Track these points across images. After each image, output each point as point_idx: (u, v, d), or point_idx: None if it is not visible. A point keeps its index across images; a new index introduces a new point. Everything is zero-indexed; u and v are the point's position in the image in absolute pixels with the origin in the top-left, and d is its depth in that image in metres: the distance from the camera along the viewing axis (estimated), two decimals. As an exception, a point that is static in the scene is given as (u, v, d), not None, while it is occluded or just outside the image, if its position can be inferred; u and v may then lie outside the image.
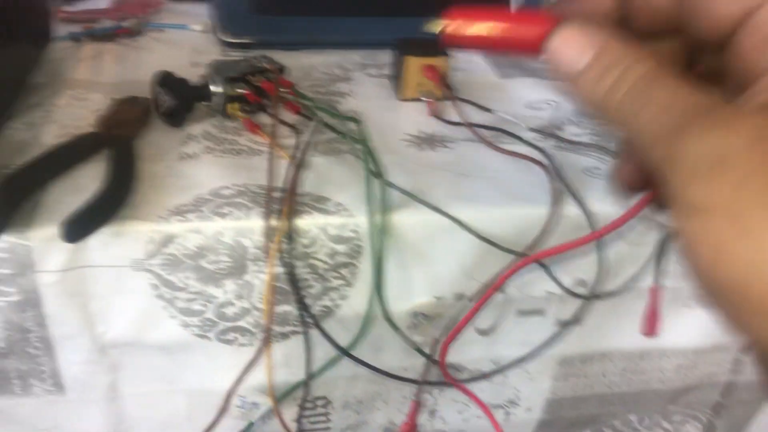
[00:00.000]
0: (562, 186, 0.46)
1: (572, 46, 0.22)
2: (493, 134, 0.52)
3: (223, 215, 0.41)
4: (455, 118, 0.53)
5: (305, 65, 0.62)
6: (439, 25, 0.25)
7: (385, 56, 0.65)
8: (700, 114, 0.18)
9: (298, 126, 0.49)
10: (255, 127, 0.49)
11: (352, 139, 0.48)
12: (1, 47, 0.47)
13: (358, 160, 0.47)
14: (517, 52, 0.24)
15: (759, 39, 0.20)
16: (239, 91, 0.50)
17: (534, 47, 0.23)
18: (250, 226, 0.41)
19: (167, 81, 0.49)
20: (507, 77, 0.63)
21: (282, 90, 0.51)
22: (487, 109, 0.54)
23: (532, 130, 0.52)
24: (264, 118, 0.51)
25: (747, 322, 0.17)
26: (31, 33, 0.55)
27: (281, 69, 0.53)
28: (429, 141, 0.51)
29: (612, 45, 0.21)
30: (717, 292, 0.18)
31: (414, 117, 0.54)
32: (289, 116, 0.51)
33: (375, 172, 0.44)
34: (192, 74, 0.53)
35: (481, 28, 0.25)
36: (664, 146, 0.19)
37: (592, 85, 0.21)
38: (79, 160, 0.45)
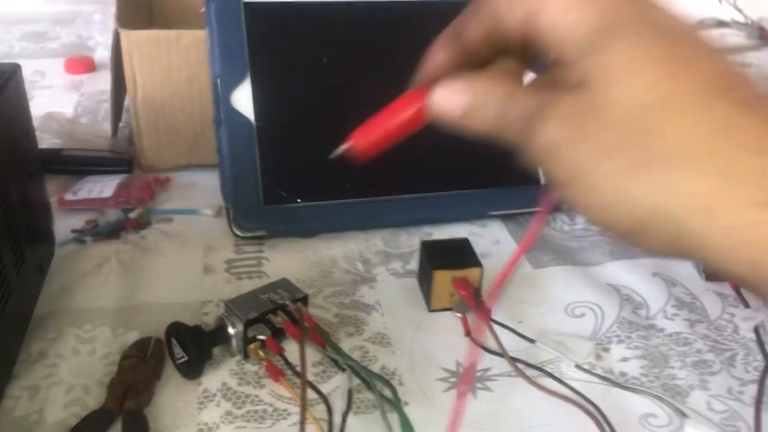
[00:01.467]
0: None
1: (447, 100, 0.28)
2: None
3: None
4: (492, 344, 0.49)
5: (324, 259, 0.58)
6: (343, 148, 0.31)
7: (408, 238, 0.62)
8: (538, 112, 0.25)
9: (327, 394, 0.44)
10: (278, 375, 0.45)
11: (388, 402, 0.44)
12: (11, 290, 0.43)
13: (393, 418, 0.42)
14: (413, 131, 0.30)
15: (553, 39, 0.25)
16: (259, 337, 0.46)
17: (422, 118, 0.30)
18: None
19: (180, 333, 0.45)
20: (541, 266, 0.59)
21: (306, 326, 0.47)
22: (530, 340, 0.50)
23: (579, 367, 0.48)
24: (289, 347, 0.46)
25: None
26: (37, 254, 0.51)
27: (305, 299, 0.49)
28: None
29: (474, 84, 0.28)
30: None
31: (449, 340, 0.50)
32: (314, 354, 0.47)
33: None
34: (206, 285, 0.52)
35: (377, 131, 0.31)
36: (528, 145, 0.26)
37: (476, 120, 0.27)
38: None
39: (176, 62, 0.67)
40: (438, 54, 0.29)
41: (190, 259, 0.58)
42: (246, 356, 0.47)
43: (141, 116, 0.68)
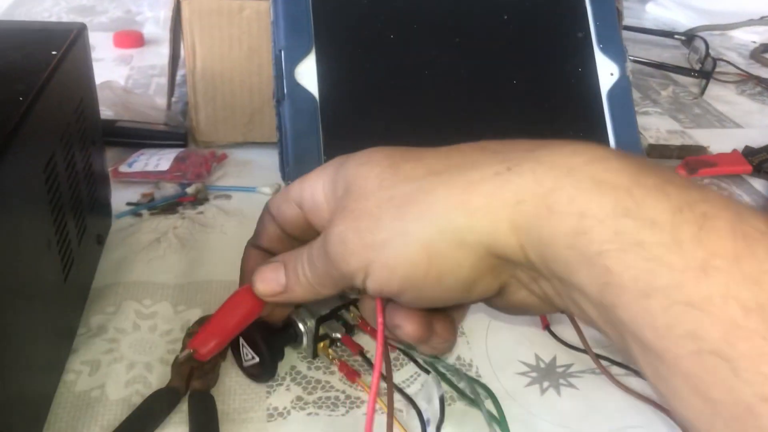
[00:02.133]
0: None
1: (266, 282, 0.34)
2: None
3: None
4: (573, 337, 0.46)
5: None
6: (189, 353, 0.36)
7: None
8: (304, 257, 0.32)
9: (414, 396, 0.40)
10: (354, 376, 0.41)
11: (488, 414, 0.40)
12: (72, 260, 0.41)
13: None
14: (256, 316, 0.37)
15: (315, 221, 0.33)
16: (335, 335, 0.42)
17: (260, 305, 0.36)
18: None
19: (249, 332, 0.40)
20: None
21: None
22: (616, 335, 0.46)
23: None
24: (365, 341, 0.43)
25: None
26: (96, 224, 0.49)
27: None
28: (550, 375, 0.44)
29: (283, 262, 0.33)
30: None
31: (526, 332, 0.47)
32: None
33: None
34: None
35: (216, 336, 0.36)
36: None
37: (295, 289, 0.33)
38: (154, 426, 0.38)
39: (237, 34, 0.64)
40: (249, 260, 0.38)
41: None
42: (315, 355, 0.43)
43: (198, 89, 0.65)
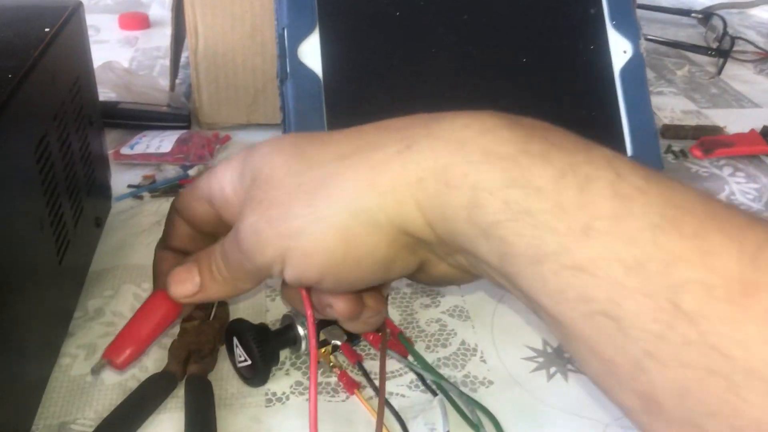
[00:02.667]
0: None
1: (181, 283, 0.32)
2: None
3: None
4: (583, 323, 0.44)
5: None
6: (102, 363, 0.35)
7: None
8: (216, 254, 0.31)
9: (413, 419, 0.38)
10: (353, 387, 0.39)
11: None
12: (65, 248, 0.40)
13: None
14: (173, 320, 0.36)
15: (226, 213, 0.32)
16: (335, 342, 0.40)
17: (176, 308, 0.35)
18: None
19: (243, 332, 0.39)
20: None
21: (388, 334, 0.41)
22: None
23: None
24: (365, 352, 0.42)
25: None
26: (95, 207, 0.48)
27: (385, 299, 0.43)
28: (557, 360, 0.43)
29: (195, 264, 0.32)
30: None
31: (533, 317, 0.46)
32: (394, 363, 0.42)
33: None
34: None
35: (131, 344, 0.35)
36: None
37: (210, 286, 0.32)
38: (150, 411, 0.37)
39: (240, 12, 0.63)
40: (161, 263, 0.36)
41: (252, 219, 0.54)
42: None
43: (201, 69, 0.64)
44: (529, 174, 0.23)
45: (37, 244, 0.37)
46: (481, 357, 0.43)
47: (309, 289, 0.32)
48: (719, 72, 0.86)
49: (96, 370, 0.35)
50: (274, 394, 0.39)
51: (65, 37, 0.43)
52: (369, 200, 0.26)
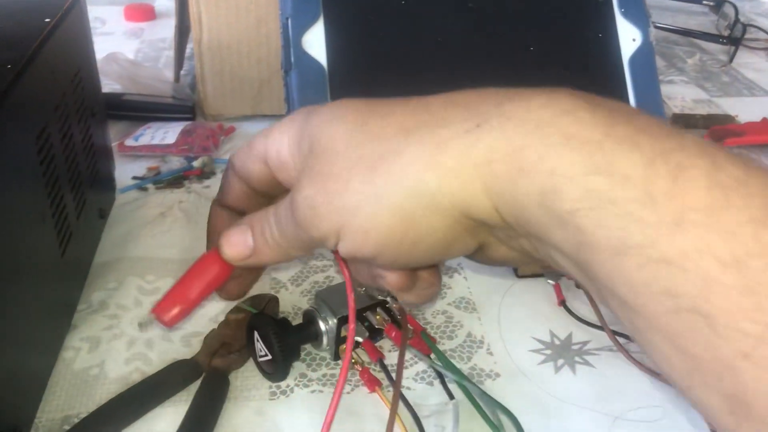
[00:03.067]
0: None
1: (235, 246, 0.31)
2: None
3: None
4: (589, 313, 0.44)
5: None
6: (150, 318, 0.35)
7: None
8: (271, 220, 0.30)
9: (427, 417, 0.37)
10: (374, 384, 0.39)
11: None
12: (70, 235, 0.39)
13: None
14: (224, 281, 0.33)
15: (281, 174, 0.31)
16: (356, 338, 0.39)
17: (228, 269, 0.32)
18: None
19: (263, 327, 0.38)
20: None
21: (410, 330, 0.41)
22: (635, 311, 0.44)
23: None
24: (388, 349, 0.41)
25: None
26: (98, 198, 0.48)
27: None
28: (565, 352, 0.42)
29: (249, 225, 0.31)
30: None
31: (541, 308, 0.45)
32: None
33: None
34: None
35: (184, 298, 0.33)
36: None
37: (264, 251, 0.31)
38: (167, 396, 0.37)
39: (244, 3, 0.62)
40: (215, 220, 0.35)
41: (257, 211, 0.54)
42: (337, 357, 0.41)
43: (205, 60, 0.64)
44: (615, 160, 0.22)
45: (39, 237, 0.37)
46: (488, 349, 0.42)
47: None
48: (731, 60, 0.85)
49: (144, 325, 0.34)
50: (279, 387, 0.39)
51: (66, 28, 0.42)
52: (431, 182, 0.25)
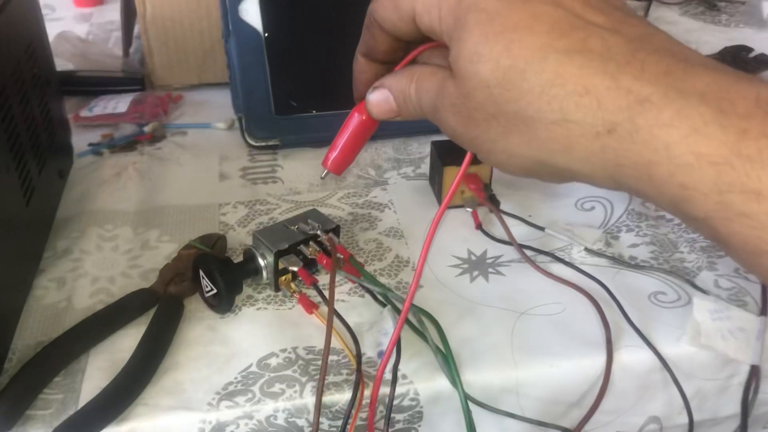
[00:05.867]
0: (623, 321, 0.43)
1: (380, 106, 0.34)
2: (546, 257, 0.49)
3: (274, 396, 0.39)
4: (503, 234, 0.50)
5: (337, 165, 0.59)
6: (324, 174, 0.38)
7: (418, 146, 0.62)
8: (439, 103, 0.30)
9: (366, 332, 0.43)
10: (311, 307, 0.44)
11: (434, 347, 0.41)
12: (34, 190, 0.44)
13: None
14: (374, 131, 0.37)
15: (432, 32, 0.30)
16: (292, 269, 0.44)
17: (372, 123, 0.36)
18: (303, 404, 0.39)
19: (208, 265, 0.43)
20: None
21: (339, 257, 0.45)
22: (538, 227, 0.51)
23: (588, 250, 0.49)
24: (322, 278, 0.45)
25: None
26: (57, 160, 0.53)
27: (336, 229, 0.47)
28: (480, 265, 0.48)
29: (392, 88, 0.33)
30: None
31: (460, 232, 0.51)
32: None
33: (455, 380, 0.40)
34: (222, 190, 0.54)
35: (343, 153, 0.37)
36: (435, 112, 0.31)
37: (407, 112, 0.33)
38: (126, 321, 0.43)
39: (184, -22, 0.67)
40: (359, 74, 0.35)
41: (206, 167, 0.59)
42: (277, 289, 0.46)
43: (151, 34, 0.68)
44: (746, 178, 0.23)
45: (5, 186, 0.42)
46: (413, 267, 0.48)
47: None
48: (645, 15, 0.91)
49: (324, 177, 0.38)
50: (228, 306, 0.44)
51: (17, 2, 0.47)
52: (558, 160, 0.27)
